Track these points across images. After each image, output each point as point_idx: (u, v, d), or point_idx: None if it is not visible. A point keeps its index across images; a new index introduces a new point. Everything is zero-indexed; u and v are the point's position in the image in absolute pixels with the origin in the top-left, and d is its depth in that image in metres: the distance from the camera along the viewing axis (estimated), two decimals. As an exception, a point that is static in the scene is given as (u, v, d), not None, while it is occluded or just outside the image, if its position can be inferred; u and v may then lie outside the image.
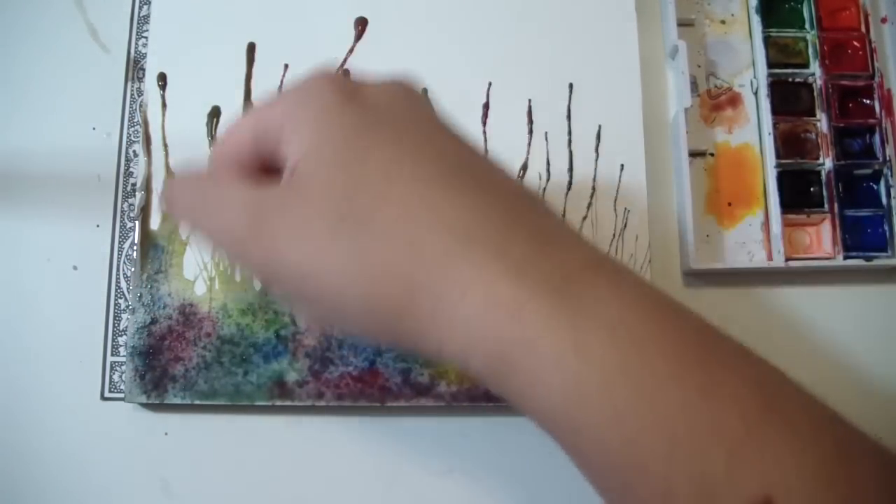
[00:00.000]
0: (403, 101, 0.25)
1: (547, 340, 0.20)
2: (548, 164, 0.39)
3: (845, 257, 0.38)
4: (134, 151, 0.41)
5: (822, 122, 0.40)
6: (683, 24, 0.41)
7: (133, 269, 0.38)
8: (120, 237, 0.40)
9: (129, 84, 0.41)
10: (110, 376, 0.38)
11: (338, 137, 0.23)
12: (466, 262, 0.21)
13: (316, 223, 0.22)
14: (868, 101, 0.40)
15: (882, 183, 0.39)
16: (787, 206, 0.38)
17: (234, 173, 0.25)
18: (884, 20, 0.40)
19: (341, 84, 0.24)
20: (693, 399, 0.20)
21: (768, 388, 0.21)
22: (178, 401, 0.37)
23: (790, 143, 0.39)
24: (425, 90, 0.24)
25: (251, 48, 0.41)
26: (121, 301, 0.39)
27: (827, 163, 0.39)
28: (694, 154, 0.40)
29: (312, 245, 0.22)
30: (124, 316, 0.39)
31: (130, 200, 0.40)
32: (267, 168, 0.25)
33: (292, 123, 0.24)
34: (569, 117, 0.40)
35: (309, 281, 0.23)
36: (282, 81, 0.40)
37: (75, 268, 0.40)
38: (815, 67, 0.40)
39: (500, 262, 0.21)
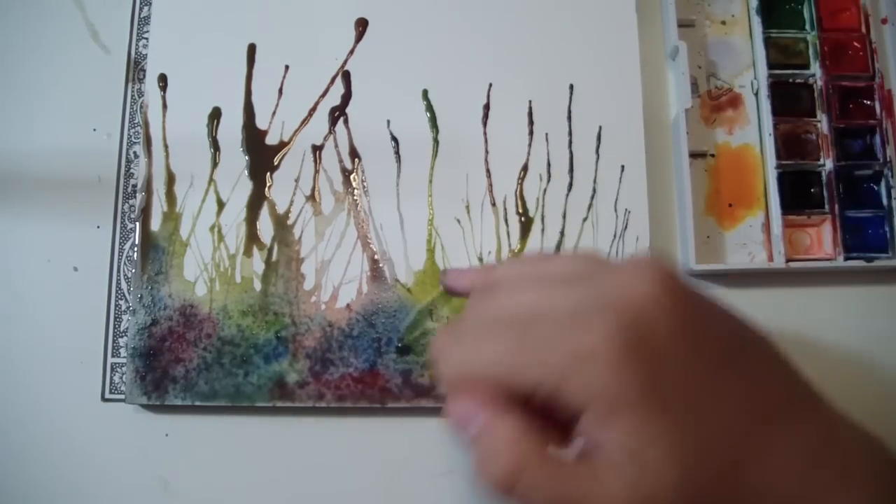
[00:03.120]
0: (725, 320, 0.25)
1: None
2: (548, 164, 0.39)
3: (846, 258, 0.38)
4: (134, 152, 0.41)
5: (822, 122, 0.39)
6: (684, 24, 0.41)
7: (133, 271, 0.38)
8: (120, 238, 0.40)
9: (130, 85, 0.41)
10: (111, 377, 0.38)
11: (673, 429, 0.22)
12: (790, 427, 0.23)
13: None
14: (868, 102, 0.40)
15: (882, 184, 0.39)
16: (788, 206, 0.38)
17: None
18: (884, 21, 0.40)
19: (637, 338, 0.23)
20: None
21: None
22: (178, 402, 0.37)
23: (791, 144, 0.39)
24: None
25: (251, 48, 0.41)
26: (121, 302, 0.39)
27: (827, 164, 0.39)
28: (694, 155, 0.40)
29: None
30: (125, 317, 0.39)
31: (131, 201, 0.40)
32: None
33: (595, 421, 0.22)
34: (569, 118, 0.40)
35: None
36: (282, 82, 0.40)
37: (76, 269, 0.40)
38: (815, 68, 0.40)
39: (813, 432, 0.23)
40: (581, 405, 0.22)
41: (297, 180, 0.39)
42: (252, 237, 0.39)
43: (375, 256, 0.38)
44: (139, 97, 0.41)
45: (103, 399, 0.38)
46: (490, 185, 0.39)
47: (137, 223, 0.39)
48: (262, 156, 0.39)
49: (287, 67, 0.40)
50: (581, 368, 0.22)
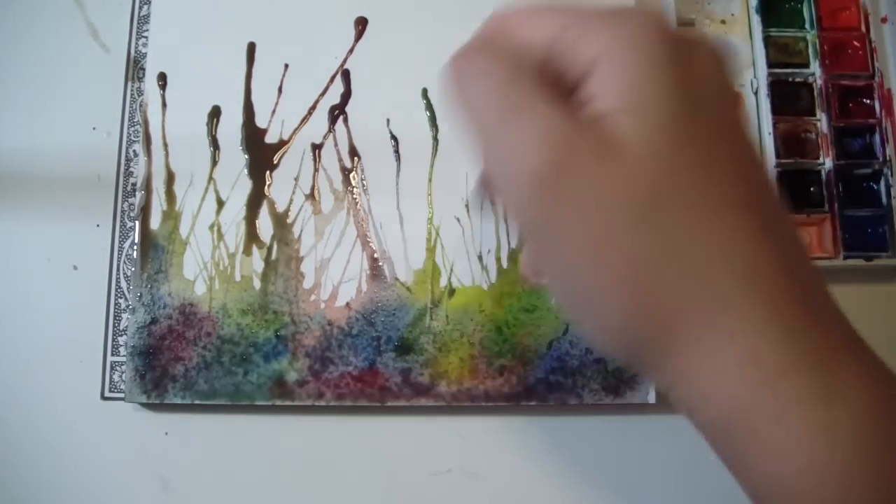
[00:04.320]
0: (726, 93, 0.22)
1: (798, 415, 0.20)
2: (548, 163, 0.39)
3: (845, 257, 0.38)
4: (134, 151, 0.41)
5: (822, 121, 0.40)
6: (683, 23, 0.41)
7: (133, 269, 0.38)
8: (120, 237, 0.40)
9: (129, 84, 0.41)
10: (110, 376, 0.38)
11: (667, 111, 0.20)
12: (741, 309, 0.20)
13: (625, 193, 0.19)
14: (868, 101, 0.40)
15: (882, 183, 0.39)
16: (787, 206, 0.38)
17: (526, 74, 0.21)
18: (884, 20, 0.40)
19: (676, 45, 0.20)
20: None
21: None
22: (178, 400, 0.37)
23: (790, 143, 0.39)
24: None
25: (251, 48, 0.41)
26: (121, 301, 0.39)
27: (827, 163, 0.39)
28: (694, 154, 0.40)
29: (610, 216, 0.19)
30: (124, 316, 0.39)
31: (130, 200, 0.40)
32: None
33: (613, 64, 0.20)
34: (569, 117, 0.40)
35: (583, 258, 0.20)
36: (281, 80, 0.40)
37: (75, 268, 0.40)
38: (815, 67, 0.40)
39: (774, 321, 0.20)
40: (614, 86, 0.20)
41: (296, 179, 0.39)
42: (251, 236, 0.39)
43: (375, 255, 0.38)
44: (139, 96, 0.41)
45: (103, 397, 0.38)
46: (489, 183, 0.39)
47: (137, 222, 0.39)
48: (261, 154, 0.39)
49: (287, 66, 0.40)
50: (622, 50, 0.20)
